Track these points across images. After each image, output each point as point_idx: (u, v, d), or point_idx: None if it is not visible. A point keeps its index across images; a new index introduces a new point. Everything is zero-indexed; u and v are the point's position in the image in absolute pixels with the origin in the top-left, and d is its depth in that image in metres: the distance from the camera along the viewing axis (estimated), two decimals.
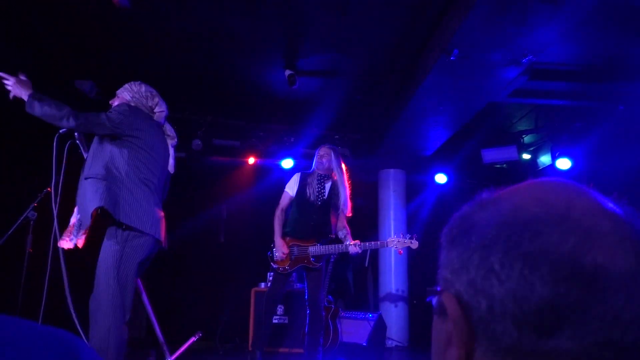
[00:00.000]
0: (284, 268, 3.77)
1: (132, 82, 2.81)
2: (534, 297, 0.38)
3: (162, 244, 2.65)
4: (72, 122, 2.42)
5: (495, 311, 0.40)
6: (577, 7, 2.92)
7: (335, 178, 3.81)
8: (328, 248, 3.70)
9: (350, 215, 3.86)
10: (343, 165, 3.87)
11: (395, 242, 3.74)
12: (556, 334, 0.38)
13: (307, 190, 3.77)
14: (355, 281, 6.34)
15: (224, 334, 5.69)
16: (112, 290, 2.37)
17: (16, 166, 5.09)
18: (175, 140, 2.90)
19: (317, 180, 3.80)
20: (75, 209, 2.66)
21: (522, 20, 3.05)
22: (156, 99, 2.82)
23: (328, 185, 3.83)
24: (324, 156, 3.80)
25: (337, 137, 6.13)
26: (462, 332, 0.42)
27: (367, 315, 5.09)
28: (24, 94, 2.42)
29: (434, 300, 0.48)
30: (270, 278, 4.06)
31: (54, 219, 2.65)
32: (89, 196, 2.44)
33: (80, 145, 2.83)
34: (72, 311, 2.54)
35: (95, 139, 2.63)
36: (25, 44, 4.18)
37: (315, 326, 3.80)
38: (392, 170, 6.48)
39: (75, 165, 2.75)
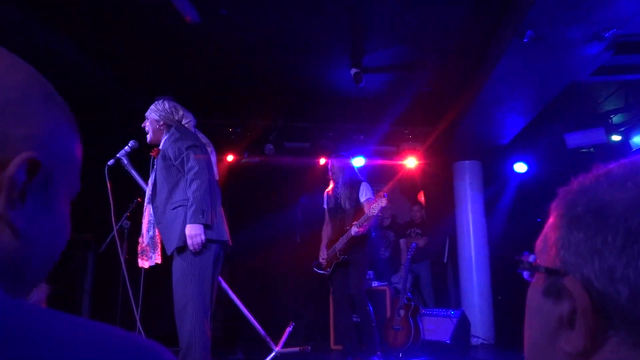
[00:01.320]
0: (327, 270, 4.26)
1: (155, 102, 2.98)
2: None
3: (229, 242, 2.84)
4: (202, 190, 2.66)
5: None
6: None
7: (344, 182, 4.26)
8: (343, 238, 4.10)
9: (368, 204, 4.07)
10: (347, 164, 4.34)
11: (372, 208, 3.91)
12: None
13: (328, 202, 4.37)
14: (435, 278, 6.20)
15: (305, 333, 5.81)
16: (191, 293, 2.58)
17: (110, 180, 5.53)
18: (212, 146, 3.04)
19: (334, 189, 4.33)
20: (144, 229, 2.88)
21: None
22: (181, 112, 2.97)
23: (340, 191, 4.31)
24: (329, 170, 4.37)
25: (406, 131, 6.04)
26: (591, 320, 0.39)
27: (449, 312, 4.96)
28: (199, 229, 2.59)
29: (541, 279, 0.45)
30: None
31: (117, 244, 2.89)
32: (176, 227, 2.66)
33: (129, 170, 3.12)
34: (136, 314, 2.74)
35: (162, 165, 2.81)
36: (109, 62, 4.53)
37: (363, 323, 4.05)
38: (467, 162, 6.26)
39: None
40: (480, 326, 5.72)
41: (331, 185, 4.37)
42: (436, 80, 4.94)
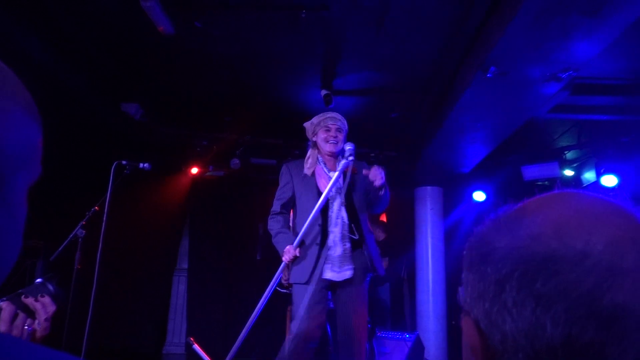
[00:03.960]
0: (289, 290, 4.23)
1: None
2: (545, 337, 0.39)
3: None
4: None
5: (508, 345, 0.41)
6: (620, 20, 2.84)
7: None
8: None
9: None
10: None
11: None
12: None
13: None
14: (392, 299, 6.25)
15: (261, 352, 5.71)
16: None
17: (65, 187, 5.34)
18: None
19: None
20: (337, 237, 2.78)
21: (561, 34, 3.00)
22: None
23: None
24: None
25: (372, 155, 6.14)
26: (482, 357, 0.43)
27: (404, 335, 4.99)
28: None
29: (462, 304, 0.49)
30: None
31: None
32: (377, 256, 2.86)
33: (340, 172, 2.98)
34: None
35: (362, 189, 2.93)
36: (77, 67, 4.41)
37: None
38: (429, 188, 6.40)
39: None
40: (434, 350, 5.79)
41: None
42: (403, 107, 5.07)
